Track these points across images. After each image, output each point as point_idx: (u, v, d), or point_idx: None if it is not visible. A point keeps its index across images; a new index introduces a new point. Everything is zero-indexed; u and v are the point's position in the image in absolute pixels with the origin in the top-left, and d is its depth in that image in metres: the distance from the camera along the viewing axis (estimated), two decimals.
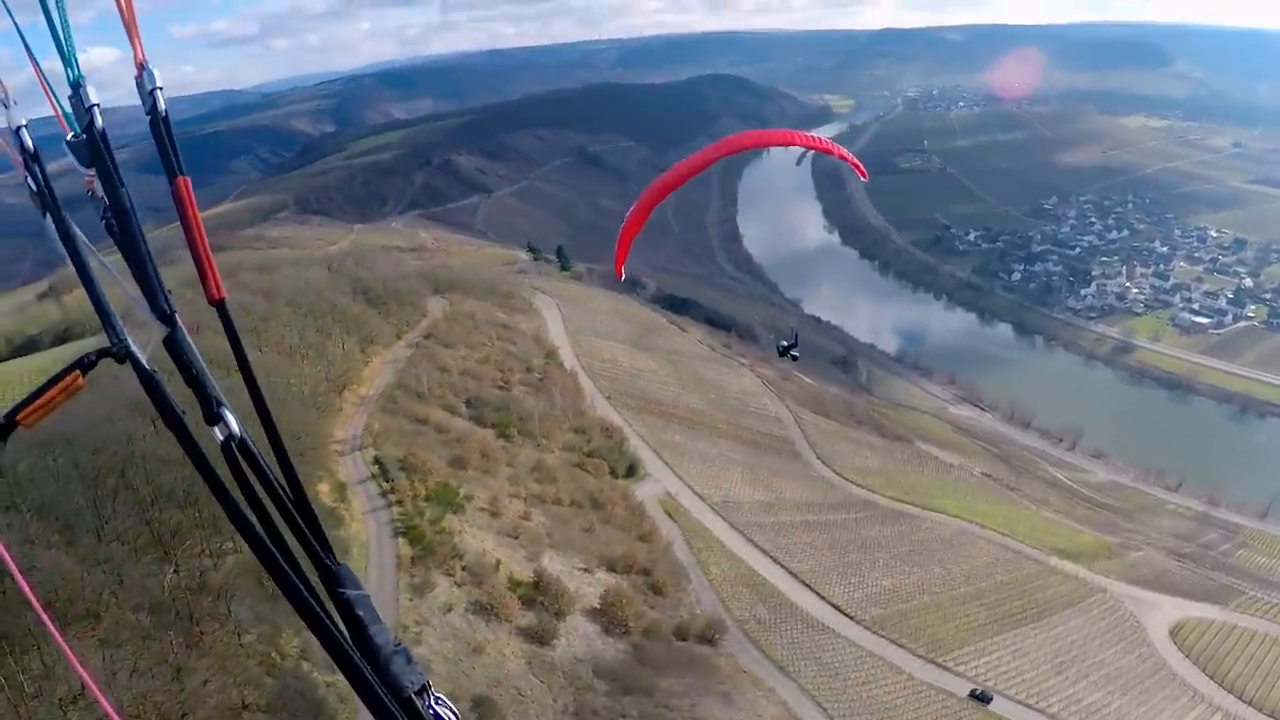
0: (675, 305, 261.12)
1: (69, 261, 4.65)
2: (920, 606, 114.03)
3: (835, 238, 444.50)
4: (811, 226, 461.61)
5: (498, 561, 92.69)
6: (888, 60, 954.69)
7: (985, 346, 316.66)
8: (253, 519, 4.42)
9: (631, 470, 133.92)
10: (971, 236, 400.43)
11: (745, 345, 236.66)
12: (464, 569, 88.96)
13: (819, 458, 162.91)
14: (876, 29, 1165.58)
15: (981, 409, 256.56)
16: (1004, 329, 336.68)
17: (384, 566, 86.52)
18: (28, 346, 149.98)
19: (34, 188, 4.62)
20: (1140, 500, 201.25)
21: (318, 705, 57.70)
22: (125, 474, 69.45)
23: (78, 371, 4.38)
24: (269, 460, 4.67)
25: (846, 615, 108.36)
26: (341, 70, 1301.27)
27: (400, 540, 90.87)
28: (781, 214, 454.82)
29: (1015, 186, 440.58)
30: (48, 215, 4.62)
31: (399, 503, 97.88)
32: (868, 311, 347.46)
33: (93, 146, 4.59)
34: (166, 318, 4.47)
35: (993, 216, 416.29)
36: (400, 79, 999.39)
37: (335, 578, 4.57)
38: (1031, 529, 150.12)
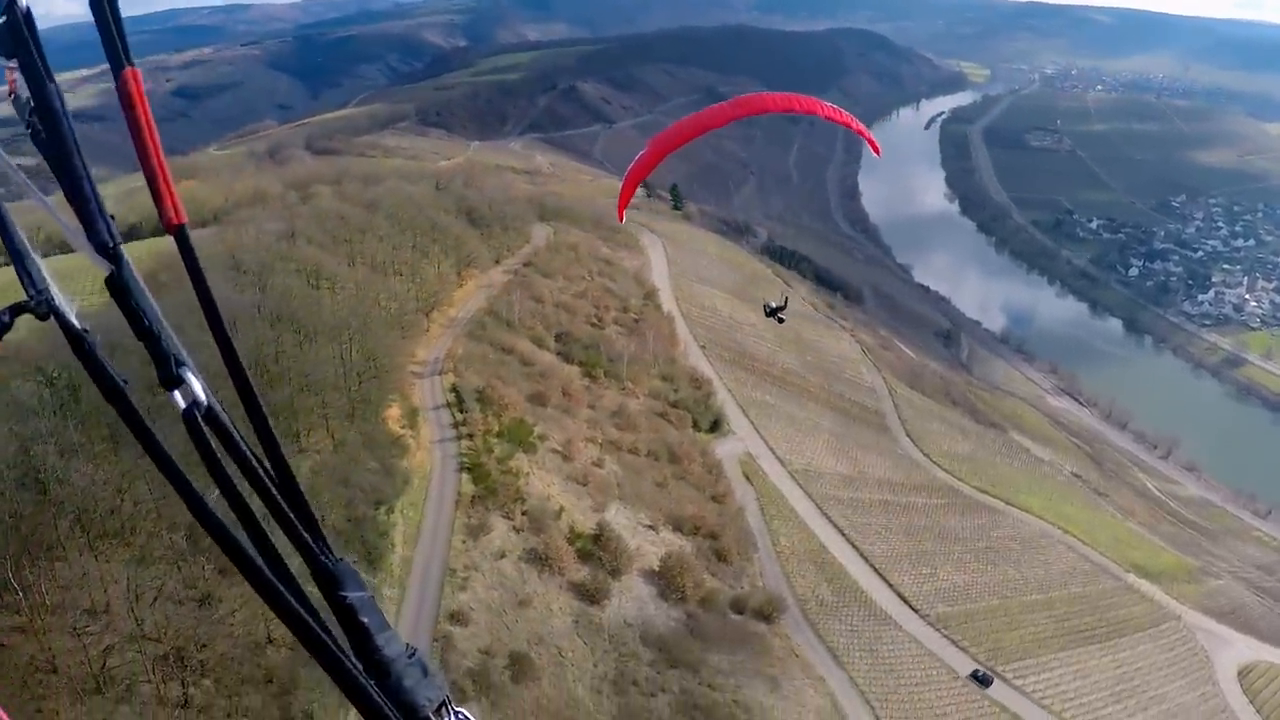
0: (784, 258, 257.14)
1: None
2: (988, 609, 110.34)
3: (955, 207, 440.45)
4: (932, 193, 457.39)
5: (560, 509, 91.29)
6: (1029, 34, 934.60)
7: (1092, 339, 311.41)
8: (222, 508, 3.49)
9: (715, 425, 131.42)
10: (1093, 224, 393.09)
11: (850, 308, 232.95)
12: (524, 514, 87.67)
13: (908, 435, 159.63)
14: (1022, 1, 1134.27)
15: (1080, 403, 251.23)
16: (1114, 324, 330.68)
17: (443, 502, 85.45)
18: (128, 235, 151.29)
19: None
20: (1227, 522, 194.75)
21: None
22: None
23: None
24: (247, 433, 3.61)
25: (912, 608, 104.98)
26: None
27: (464, 476, 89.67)
28: (903, 176, 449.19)
29: (1144, 179, 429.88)
30: None
31: (469, 436, 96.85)
32: (978, 287, 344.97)
33: (13, 30, 3.58)
34: (108, 252, 3.45)
35: (1117, 206, 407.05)
36: (536, 0, 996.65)
37: (333, 578, 3.61)
38: (1113, 540, 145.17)
